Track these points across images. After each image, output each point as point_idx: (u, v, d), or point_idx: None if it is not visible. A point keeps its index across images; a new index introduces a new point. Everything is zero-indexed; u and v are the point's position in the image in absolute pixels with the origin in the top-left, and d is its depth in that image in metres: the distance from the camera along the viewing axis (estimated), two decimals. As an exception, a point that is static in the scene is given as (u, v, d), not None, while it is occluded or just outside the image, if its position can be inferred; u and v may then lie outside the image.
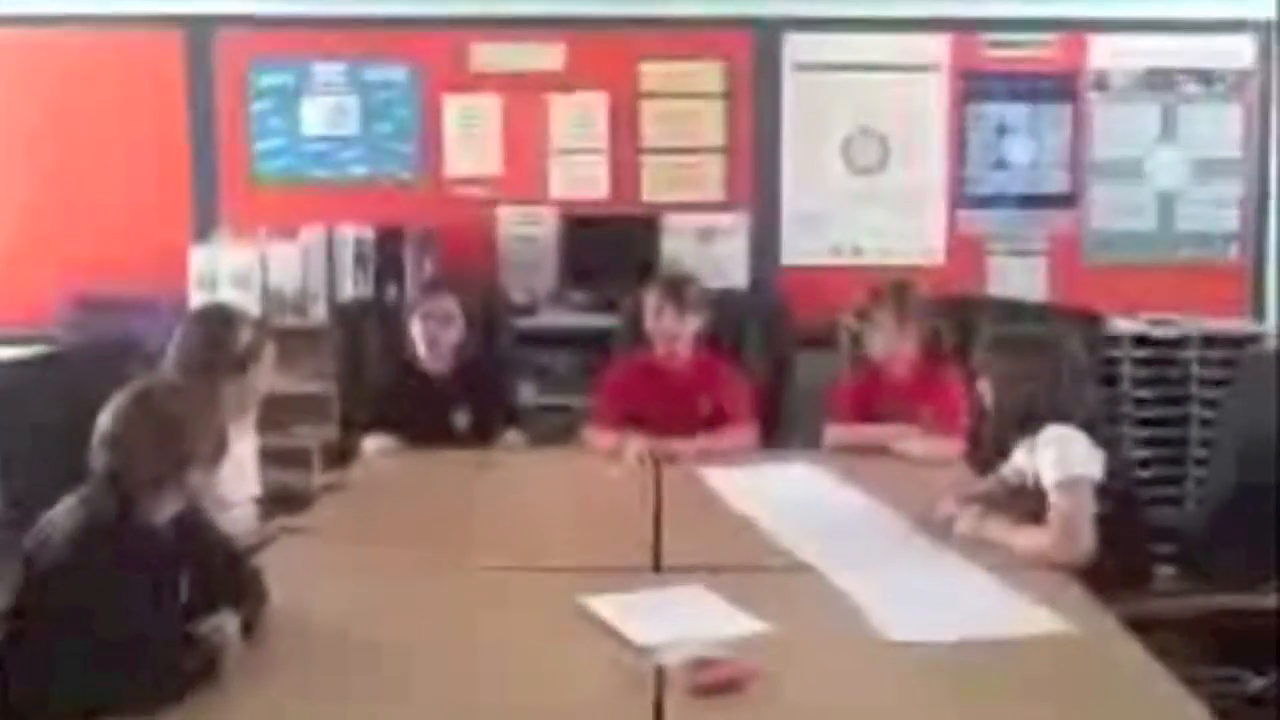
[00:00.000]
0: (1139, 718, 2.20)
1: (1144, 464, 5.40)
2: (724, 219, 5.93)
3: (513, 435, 4.21)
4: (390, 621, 2.61)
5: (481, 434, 4.19)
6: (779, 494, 3.57)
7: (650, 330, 4.22)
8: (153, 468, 2.36)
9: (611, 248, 5.81)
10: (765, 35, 5.89)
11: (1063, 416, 3.08)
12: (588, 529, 3.41)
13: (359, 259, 5.68)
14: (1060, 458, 3.01)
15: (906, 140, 5.95)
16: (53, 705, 2.13)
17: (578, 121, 5.92)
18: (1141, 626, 2.53)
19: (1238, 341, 5.55)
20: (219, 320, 3.52)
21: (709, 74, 5.91)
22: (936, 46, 5.91)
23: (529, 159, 5.92)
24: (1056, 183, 5.98)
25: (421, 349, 4.23)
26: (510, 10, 5.81)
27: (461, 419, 4.22)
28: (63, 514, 2.33)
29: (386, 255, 5.69)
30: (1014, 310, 4.98)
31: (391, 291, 5.51)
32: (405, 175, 5.94)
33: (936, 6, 5.83)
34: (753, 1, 5.83)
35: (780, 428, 4.54)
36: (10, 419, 3.43)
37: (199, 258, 5.62)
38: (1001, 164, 5.97)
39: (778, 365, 4.76)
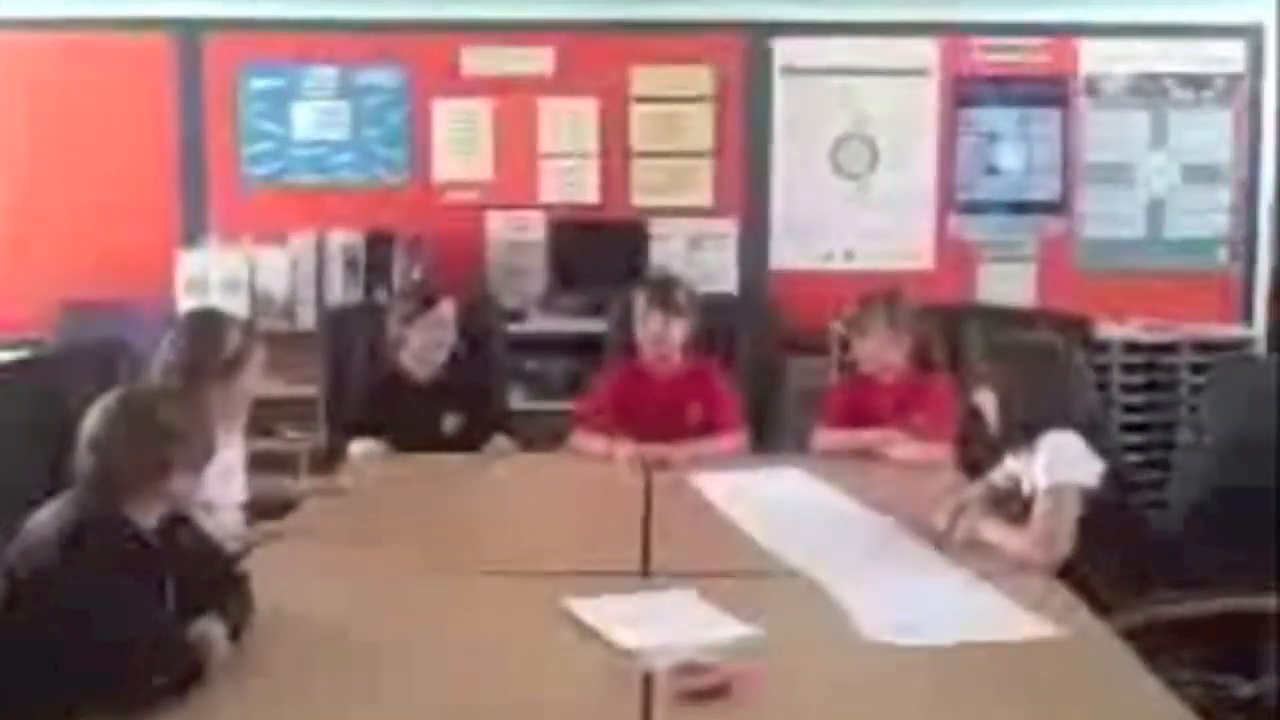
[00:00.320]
0: (1127, 723, 2.20)
1: (1133, 469, 5.40)
2: (714, 224, 5.93)
3: (501, 441, 4.19)
4: (377, 625, 2.60)
5: (470, 440, 4.17)
6: (768, 499, 3.56)
7: (639, 335, 4.21)
8: (135, 471, 2.35)
9: (601, 252, 5.81)
10: (755, 39, 5.90)
11: (1067, 424, 3.08)
12: (576, 533, 3.40)
13: (348, 264, 5.68)
14: (1051, 463, 3.02)
15: (897, 145, 5.96)
16: (37, 708, 2.12)
17: (568, 126, 5.92)
18: (1132, 633, 2.53)
19: (1228, 347, 5.56)
20: (207, 325, 3.51)
21: (699, 78, 5.92)
22: (927, 51, 5.93)
23: (519, 163, 5.92)
24: (1047, 188, 6.00)
25: (420, 358, 4.18)
26: (500, 14, 5.82)
27: (450, 424, 4.20)
28: (47, 518, 2.31)
29: (376, 260, 5.69)
30: (1003, 316, 4.97)
31: (381, 296, 5.51)
32: (395, 180, 5.94)
33: (927, 11, 5.84)
34: (743, 6, 5.83)
35: (770, 433, 4.54)
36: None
37: (188, 262, 5.62)
38: (992, 169, 5.98)
39: (767, 370, 4.75)
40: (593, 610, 2.58)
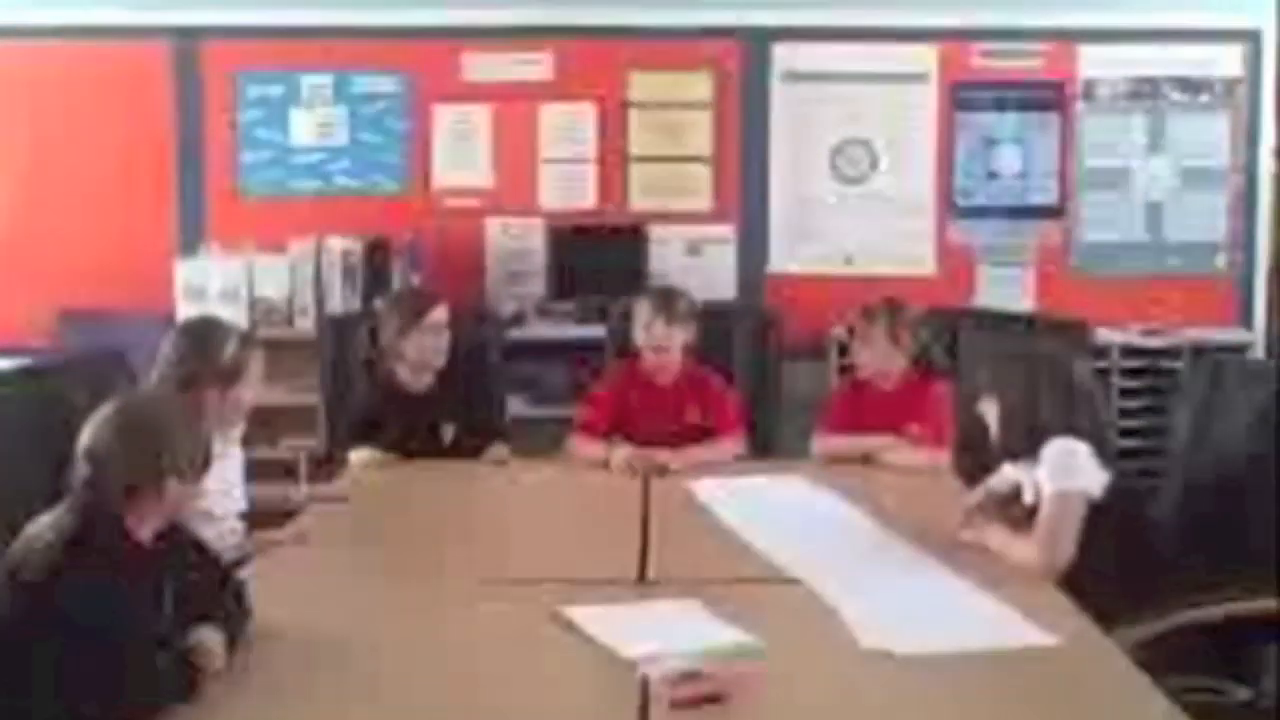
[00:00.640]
0: (1125, 729, 2.20)
1: (1133, 475, 5.39)
2: (712, 228, 5.94)
3: (498, 448, 4.18)
4: (374, 631, 2.59)
5: (468, 447, 4.17)
6: (766, 505, 3.56)
7: (640, 342, 4.21)
8: (133, 480, 2.35)
9: (600, 258, 5.82)
10: (754, 45, 5.90)
11: (1071, 432, 3.07)
12: (574, 540, 3.39)
13: (347, 271, 5.68)
14: (1055, 470, 3.01)
15: (895, 150, 5.96)
16: (35, 715, 2.12)
17: (566, 131, 5.92)
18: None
19: (1226, 351, 5.55)
20: (204, 333, 3.50)
21: (697, 84, 5.92)
22: (925, 56, 5.93)
23: (518, 169, 5.92)
24: (1045, 192, 6.00)
25: (418, 366, 4.17)
26: (499, 20, 5.82)
27: (448, 432, 4.19)
28: (45, 526, 2.31)
29: (374, 267, 5.69)
30: (1000, 321, 4.97)
31: (380, 303, 5.50)
32: (393, 186, 5.94)
33: (925, 16, 5.84)
34: (741, 11, 5.83)
35: (768, 438, 4.53)
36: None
37: (186, 270, 5.61)
38: (990, 174, 5.98)
39: (766, 375, 4.75)
40: (590, 617, 2.58)
